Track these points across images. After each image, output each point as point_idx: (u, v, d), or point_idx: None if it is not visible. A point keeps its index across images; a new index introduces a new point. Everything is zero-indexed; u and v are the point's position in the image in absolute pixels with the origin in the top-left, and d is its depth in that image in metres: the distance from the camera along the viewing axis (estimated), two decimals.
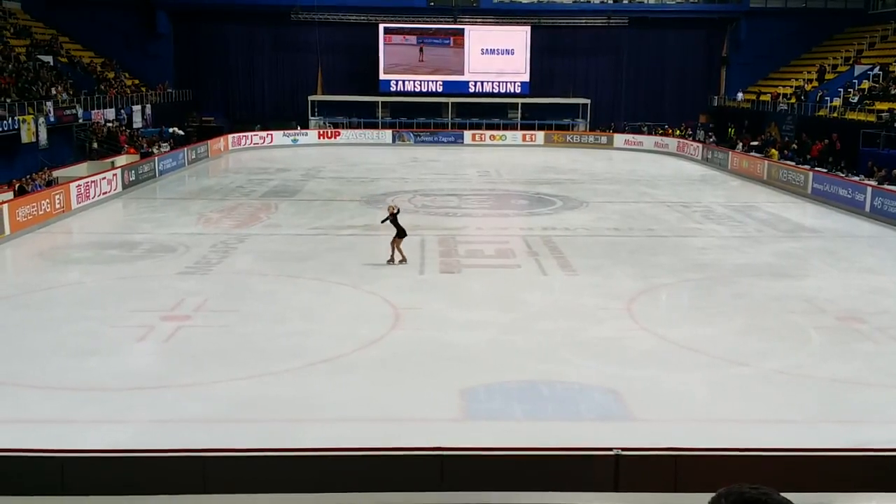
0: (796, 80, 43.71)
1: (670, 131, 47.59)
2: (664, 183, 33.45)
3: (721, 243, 21.29)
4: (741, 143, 41.03)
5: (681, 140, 44.98)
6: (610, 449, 6.48)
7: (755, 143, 40.70)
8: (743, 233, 22.88)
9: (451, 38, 50.29)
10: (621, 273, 17.85)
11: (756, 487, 2.00)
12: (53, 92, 34.81)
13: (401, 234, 18.25)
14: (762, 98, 44.74)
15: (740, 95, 46.51)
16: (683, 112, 49.38)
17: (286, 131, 47.21)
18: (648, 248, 20.75)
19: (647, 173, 36.45)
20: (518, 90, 50.56)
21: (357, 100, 49.95)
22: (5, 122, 28.88)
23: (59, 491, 6.43)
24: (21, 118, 29.48)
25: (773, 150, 37.13)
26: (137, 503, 4.98)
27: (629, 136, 47.56)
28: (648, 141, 46.64)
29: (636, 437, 9.45)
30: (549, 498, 4.39)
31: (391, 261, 18.30)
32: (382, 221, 18.87)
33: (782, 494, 1.98)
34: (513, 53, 50.24)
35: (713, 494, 2.04)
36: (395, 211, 18.63)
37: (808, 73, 43.35)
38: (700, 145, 42.16)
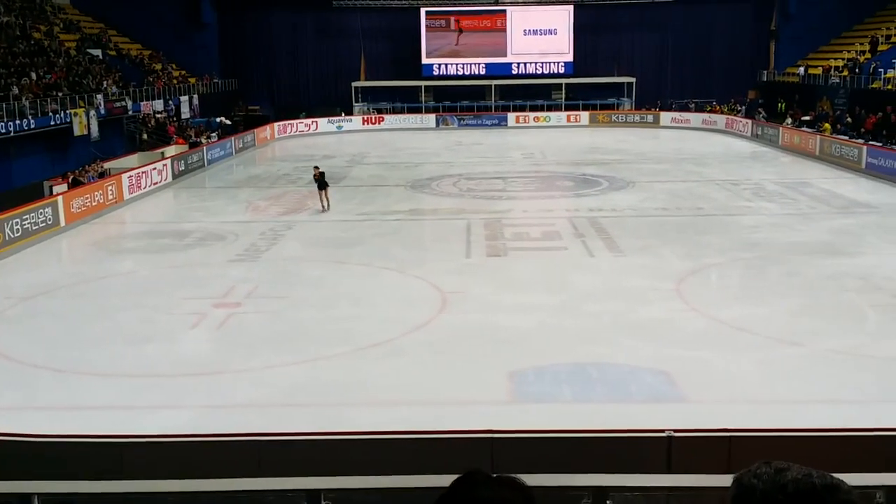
0: (848, 52, 42.58)
1: (718, 108, 46.75)
2: (713, 161, 32.92)
3: (772, 221, 20.92)
4: (790, 118, 40.18)
5: (729, 117, 44.19)
6: (662, 430, 6.43)
7: (807, 118, 39.82)
8: (795, 210, 22.45)
9: (493, 20, 49.95)
10: (670, 253, 17.65)
11: (784, 468, 1.93)
12: (103, 85, 35.45)
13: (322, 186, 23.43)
14: (813, 72, 43.71)
15: (801, 70, 45.15)
16: (731, 88, 48.44)
17: (330, 118, 47.45)
18: (697, 227, 20.48)
19: (695, 151, 35.91)
20: (562, 70, 50.10)
21: (400, 85, 49.98)
22: (58, 115, 29.51)
23: (118, 475, 6.59)
24: (73, 111, 30.08)
25: (827, 125, 36.29)
26: (194, 487, 5.07)
27: (676, 114, 46.84)
28: (696, 118, 45.89)
29: (688, 418, 9.35)
30: (601, 480, 4.38)
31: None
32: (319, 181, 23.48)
33: (839, 475, 1.93)
34: (556, 33, 49.77)
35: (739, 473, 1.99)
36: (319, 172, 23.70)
37: (861, 44, 42.19)
38: (749, 122, 41.37)
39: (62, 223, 21.38)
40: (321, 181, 23.42)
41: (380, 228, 21.09)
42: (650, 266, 16.60)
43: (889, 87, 34.89)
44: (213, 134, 39.81)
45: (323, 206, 23.32)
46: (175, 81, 43.56)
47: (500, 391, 10.70)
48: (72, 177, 26.39)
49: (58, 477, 5.91)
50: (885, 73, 36.06)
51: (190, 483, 5.21)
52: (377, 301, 14.70)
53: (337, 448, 6.74)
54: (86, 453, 7.11)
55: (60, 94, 30.92)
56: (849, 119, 36.24)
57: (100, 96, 33.30)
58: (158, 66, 44.50)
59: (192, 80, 45.44)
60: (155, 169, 28.32)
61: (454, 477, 2.09)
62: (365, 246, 19.06)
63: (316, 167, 24.31)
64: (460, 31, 49.95)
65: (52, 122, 29.11)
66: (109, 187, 24.61)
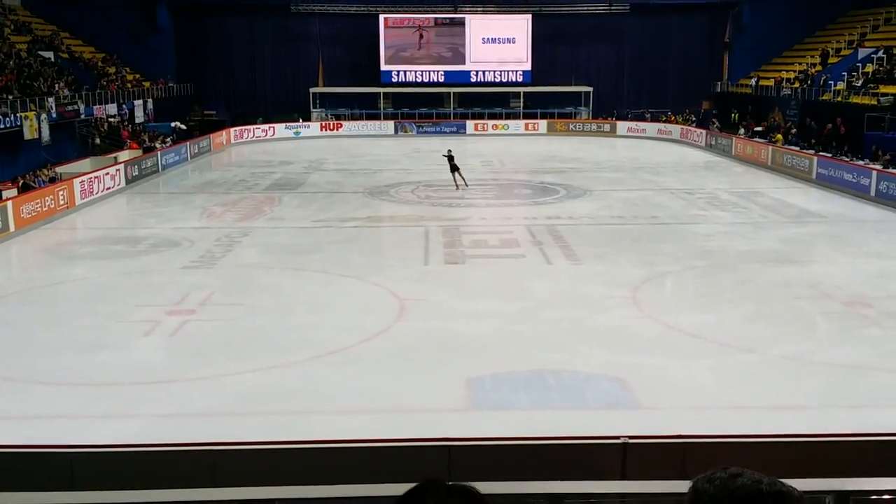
0: (800, 64, 43.51)
1: (673, 118, 47.41)
2: (668, 170, 33.36)
3: (726, 230, 21.25)
4: (743, 129, 40.88)
5: (684, 127, 44.84)
6: (617, 437, 6.49)
7: (759, 128, 40.56)
8: (747, 219, 22.83)
9: (452, 28, 50.15)
10: (626, 261, 17.83)
11: (739, 473, 1.98)
12: (55, 88, 34.80)
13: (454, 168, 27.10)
14: (765, 83, 44.55)
15: (754, 81, 46.01)
16: (686, 98, 49.20)
17: (288, 124, 47.15)
18: (653, 235, 20.71)
19: (651, 161, 36.34)
20: (520, 79, 50.42)
21: (359, 91, 49.87)
22: (8, 118, 28.86)
23: (68, 486, 6.46)
24: (23, 115, 29.45)
25: (779, 136, 36.99)
26: (147, 497, 4.99)
27: (632, 124, 47.41)
28: (651, 128, 46.48)
29: (643, 424, 9.45)
30: (557, 487, 4.40)
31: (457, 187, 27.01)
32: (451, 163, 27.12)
33: (789, 481, 1.97)
34: (514, 42, 50.08)
35: (695, 479, 2.03)
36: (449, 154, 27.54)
37: (812, 56, 43.13)
38: (704, 132, 42.01)
39: (12, 228, 20.93)
40: (452, 163, 26.70)
41: (337, 235, 21.00)
42: (606, 274, 16.75)
43: (838, 99, 35.69)
44: (168, 139, 39.29)
45: (457, 185, 26.85)
46: (129, 85, 42.94)
47: (457, 398, 10.70)
48: (22, 181, 25.86)
49: (6, 488, 5.78)
50: (836, 85, 36.90)
51: (143, 494, 5.12)
52: (335, 308, 14.62)
53: (293, 457, 6.68)
54: (35, 464, 6.96)
55: (11, 97, 30.27)
56: (794, 130, 36.96)
57: (51, 99, 32.64)
58: (112, 70, 43.81)
59: (147, 84, 44.84)
60: (108, 174, 27.86)
61: (411, 486, 2.09)
62: (322, 253, 18.96)
63: (449, 150, 27.99)
64: (422, 35, 50.04)
65: (2, 126, 28.45)
66: (61, 192, 24.16)
